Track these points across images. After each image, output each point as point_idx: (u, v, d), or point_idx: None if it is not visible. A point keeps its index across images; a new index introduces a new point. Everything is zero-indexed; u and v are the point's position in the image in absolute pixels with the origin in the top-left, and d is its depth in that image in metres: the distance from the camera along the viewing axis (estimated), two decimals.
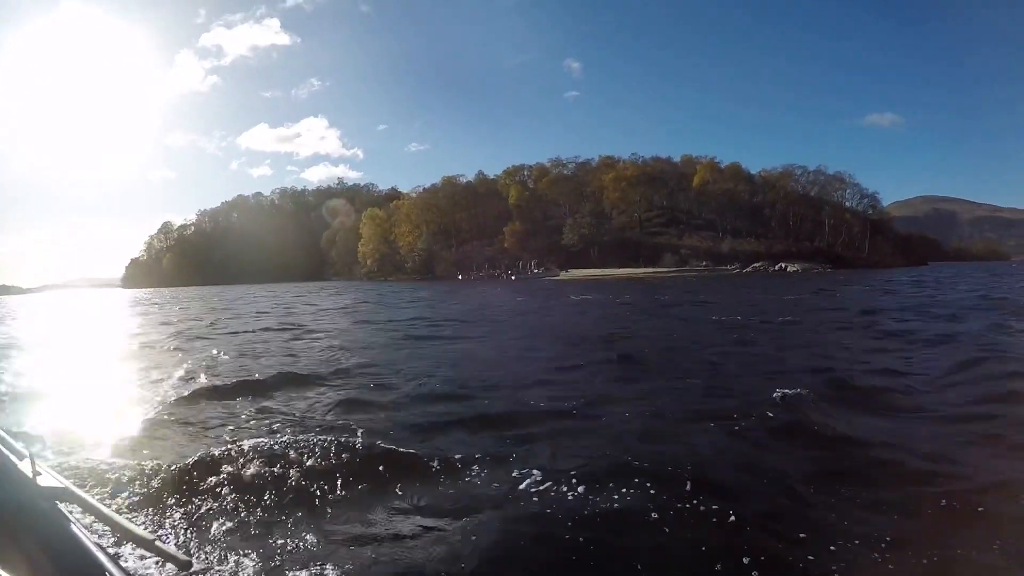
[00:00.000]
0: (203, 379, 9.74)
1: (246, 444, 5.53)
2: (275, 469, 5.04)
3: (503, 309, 27.15)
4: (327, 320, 23.29)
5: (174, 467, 5.04)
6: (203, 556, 3.73)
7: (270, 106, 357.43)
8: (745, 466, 5.02)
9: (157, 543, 1.57)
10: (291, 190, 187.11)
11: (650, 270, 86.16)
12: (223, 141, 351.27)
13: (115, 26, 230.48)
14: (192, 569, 1.41)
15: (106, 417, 7.26)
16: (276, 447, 5.47)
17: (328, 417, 7.10)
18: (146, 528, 1.70)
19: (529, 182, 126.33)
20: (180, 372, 10.38)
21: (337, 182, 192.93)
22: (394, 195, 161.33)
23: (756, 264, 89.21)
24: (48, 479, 1.71)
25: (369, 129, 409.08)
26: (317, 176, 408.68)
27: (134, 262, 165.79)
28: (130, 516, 4.28)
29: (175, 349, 14.52)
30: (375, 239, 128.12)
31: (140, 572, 3.21)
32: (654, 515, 4.07)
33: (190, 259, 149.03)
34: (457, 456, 5.33)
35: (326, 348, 13.84)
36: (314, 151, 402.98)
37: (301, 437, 5.75)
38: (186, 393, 8.46)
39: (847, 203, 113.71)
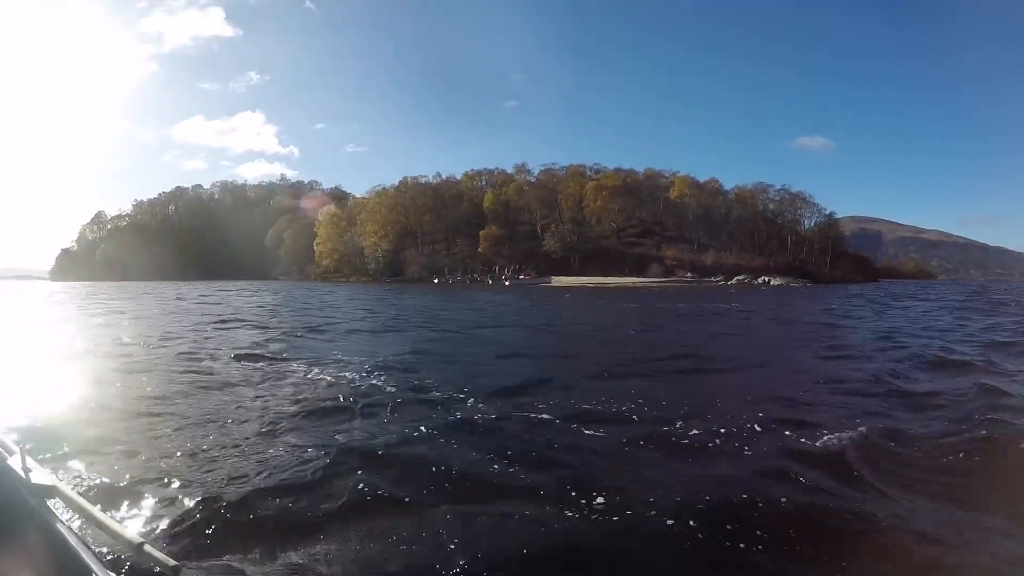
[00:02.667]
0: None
1: (240, 448, 5.84)
2: (269, 474, 5.08)
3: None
4: None
5: (167, 470, 5.11)
6: (192, 562, 3.63)
7: (207, 98, 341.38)
8: None
9: (146, 547, 1.76)
10: (232, 184, 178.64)
11: (645, 280, 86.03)
12: (157, 131, 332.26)
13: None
14: (180, 574, 1.61)
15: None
16: (271, 452, 5.70)
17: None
18: (135, 530, 2.23)
19: (490, 188, 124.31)
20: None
21: (280, 178, 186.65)
22: (339, 194, 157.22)
23: (739, 277, 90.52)
24: (39, 476, 2.06)
25: (306, 128, 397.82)
26: (251, 173, 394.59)
27: (65, 253, 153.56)
28: (119, 517, 4.10)
29: None
30: (333, 238, 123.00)
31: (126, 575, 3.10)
32: None
33: (126, 252, 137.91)
34: None
35: None
36: (249, 147, 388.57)
37: (295, 441, 6.04)
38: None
39: (806, 221, 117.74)
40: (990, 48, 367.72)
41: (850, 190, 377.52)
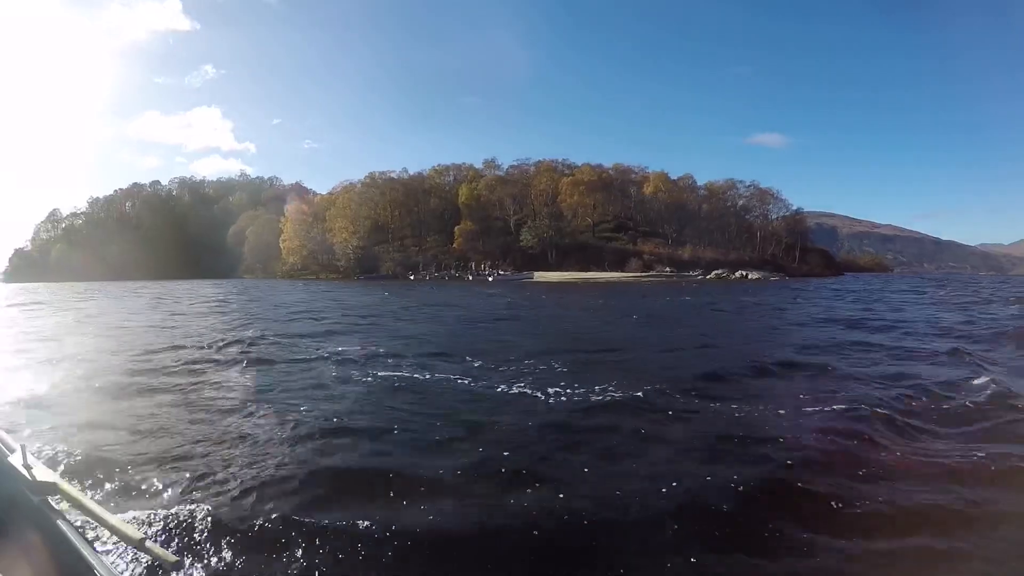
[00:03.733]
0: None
1: (237, 444, 6.21)
2: (263, 468, 5.35)
3: None
4: None
5: (165, 465, 5.43)
6: (192, 556, 3.67)
7: (162, 93, 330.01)
8: None
9: (147, 543, 1.82)
10: (190, 180, 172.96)
11: (627, 275, 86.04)
12: (111, 127, 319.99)
13: None
14: (180, 569, 1.95)
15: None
16: (265, 446, 6.12)
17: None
18: (135, 526, 2.23)
19: (461, 183, 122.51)
20: None
21: (240, 174, 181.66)
22: (300, 190, 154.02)
23: (717, 271, 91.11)
24: (40, 473, 2.06)
25: (263, 123, 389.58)
26: (207, 169, 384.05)
27: (18, 253, 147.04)
28: (120, 513, 4.10)
29: None
30: (300, 235, 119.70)
31: (128, 571, 3.13)
32: None
33: (82, 251, 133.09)
34: None
35: None
36: (205, 143, 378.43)
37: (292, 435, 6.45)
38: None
39: (772, 216, 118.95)
40: (942, 48, 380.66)
41: (806, 185, 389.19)
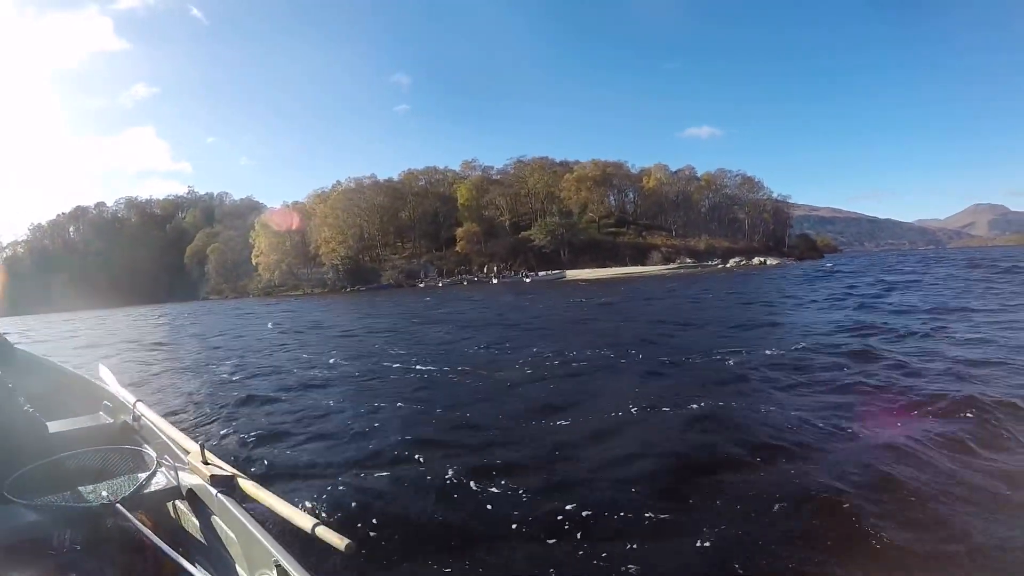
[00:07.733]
0: None
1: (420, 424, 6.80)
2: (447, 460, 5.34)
3: None
4: None
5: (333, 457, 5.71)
6: (367, 541, 3.77)
7: (95, 115, 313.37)
8: None
9: (318, 529, 2.01)
10: (136, 200, 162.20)
11: (656, 268, 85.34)
12: (44, 151, 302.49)
13: None
14: (352, 552, 2.03)
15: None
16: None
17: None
18: (308, 515, 2.25)
19: (428, 187, 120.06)
20: None
21: (188, 192, 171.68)
22: (252, 204, 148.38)
23: (735, 260, 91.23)
24: (218, 467, 2.28)
25: (198, 141, 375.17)
26: (147, 192, 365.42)
27: None
28: (293, 501, 4.06)
29: None
30: (278, 249, 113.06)
31: (304, 555, 2.94)
32: None
33: (27, 282, 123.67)
34: None
35: None
36: (142, 165, 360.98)
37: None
38: None
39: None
40: (867, 35, 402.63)
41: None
